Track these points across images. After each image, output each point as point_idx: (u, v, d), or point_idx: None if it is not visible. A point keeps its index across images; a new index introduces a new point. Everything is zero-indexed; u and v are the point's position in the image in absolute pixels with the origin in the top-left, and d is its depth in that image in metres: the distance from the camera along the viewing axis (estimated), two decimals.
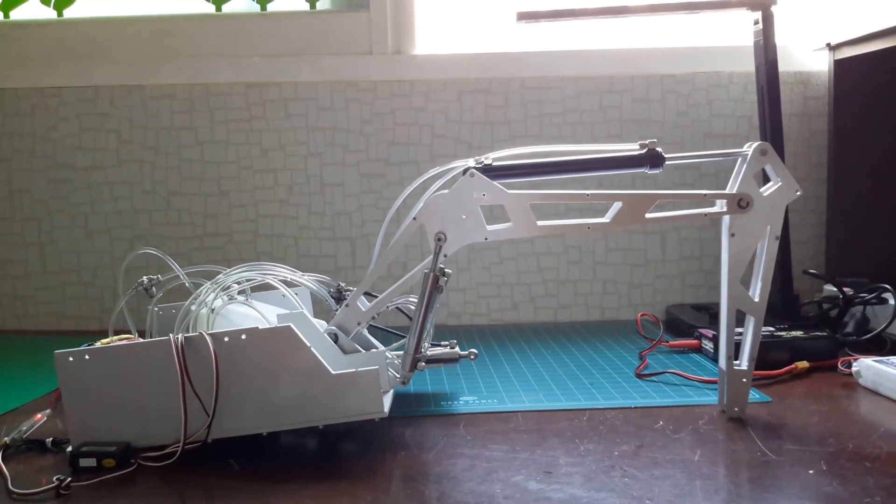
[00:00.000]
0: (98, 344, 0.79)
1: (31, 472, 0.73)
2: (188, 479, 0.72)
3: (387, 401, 0.79)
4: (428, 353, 0.83)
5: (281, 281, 0.92)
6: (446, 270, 0.81)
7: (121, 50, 1.41)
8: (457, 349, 0.86)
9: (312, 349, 0.74)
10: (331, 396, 0.74)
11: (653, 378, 1.00)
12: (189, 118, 1.39)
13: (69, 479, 0.68)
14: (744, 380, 0.84)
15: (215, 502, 0.66)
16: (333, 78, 1.37)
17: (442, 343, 0.88)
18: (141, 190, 1.40)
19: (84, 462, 0.72)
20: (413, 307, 0.88)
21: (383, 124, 1.38)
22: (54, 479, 0.68)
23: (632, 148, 0.84)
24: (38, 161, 1.40)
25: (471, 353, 0.86)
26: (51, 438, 0.79)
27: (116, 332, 0.90)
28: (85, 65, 1.39)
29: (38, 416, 0.82)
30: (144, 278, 0.94)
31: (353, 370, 0.74)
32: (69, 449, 0.74)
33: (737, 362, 0.84)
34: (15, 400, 0.95)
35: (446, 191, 0.82)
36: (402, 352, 0.83)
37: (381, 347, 0.89)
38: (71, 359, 0.75)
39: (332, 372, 0.74)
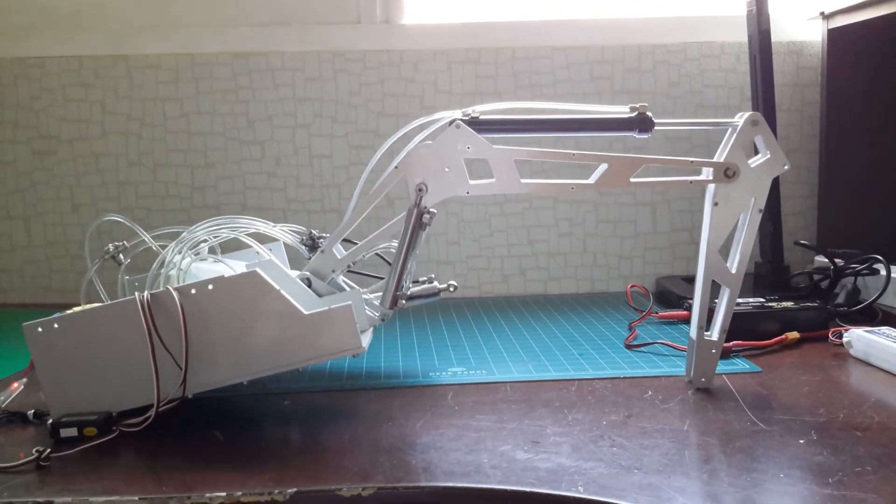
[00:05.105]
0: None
1: (13, 445, 0.72)
2: (170, 447, 0.71)
3: (365, 339, 0.78)
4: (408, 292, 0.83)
5: (252, 234, 0.90)
6: (430, 209, 0.80)
7: (105, 19, 1.38)
8: (435, 283, 0.86)
9: (282, 291, 0.73)
10: (306, 337, 0.73)
11: (642, 349, 0.99)
12: (174, 89, 1.36)
13: (49, 450, 0.67)
14: (713, 350, 0.84)
15: (195, 471, 0.65)
16: (321, 48, 1.35)
17: (420, 279, 0.87)
18: (127, 162, 1.38)
19: (65, 432, 0.71)
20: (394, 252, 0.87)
21: (372, 95, 1.36)
22: (33, 451, 0.67)
23: (622, 111, 0.82)
24: (21, 132, 1.37)
25: (450, 286, 0.86)
26: (32, 410, 0.78)
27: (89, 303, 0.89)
28: (68, 34, 1.36)
29: (14, 384, 0.81)
30: (110, 245, 0.93)
31: (326, 308, 0.73)
32: (50, 420, 0.72)
33: (708, 333, 0.84)
34: None
35: (431, 141, 0.80)
36: (379, 293, 0.82)
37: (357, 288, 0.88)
38: (40, 329, 0.74)
39: (305, 312, 0.73)
